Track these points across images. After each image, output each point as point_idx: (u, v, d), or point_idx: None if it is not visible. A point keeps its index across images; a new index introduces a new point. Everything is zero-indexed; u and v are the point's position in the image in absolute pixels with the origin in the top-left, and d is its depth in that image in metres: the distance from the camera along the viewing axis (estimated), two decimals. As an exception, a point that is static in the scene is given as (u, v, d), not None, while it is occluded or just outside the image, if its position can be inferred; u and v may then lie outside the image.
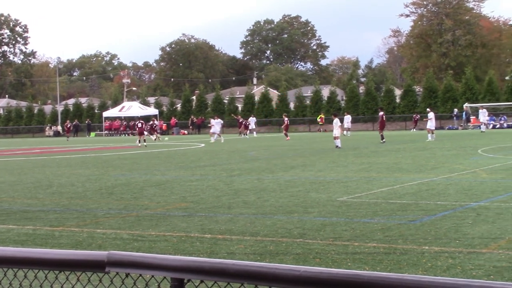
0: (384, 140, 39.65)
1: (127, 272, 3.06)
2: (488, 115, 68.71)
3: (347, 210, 13.39)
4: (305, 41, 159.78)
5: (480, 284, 2.32)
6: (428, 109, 47.60)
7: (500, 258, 8.75)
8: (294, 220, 12.37)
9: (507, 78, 74.42)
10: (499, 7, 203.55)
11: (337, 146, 35.59)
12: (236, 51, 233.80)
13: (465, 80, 73.69)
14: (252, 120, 65.32)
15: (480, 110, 58.38)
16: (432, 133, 41.60)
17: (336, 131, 36.35)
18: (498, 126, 66.60)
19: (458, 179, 18.41)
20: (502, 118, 67.15)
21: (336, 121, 37.09)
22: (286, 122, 53.83)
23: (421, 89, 79.66)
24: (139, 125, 49.15)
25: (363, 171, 22.12)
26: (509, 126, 64.71)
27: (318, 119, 72.40)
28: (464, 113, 69.26)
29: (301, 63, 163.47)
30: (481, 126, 56.50)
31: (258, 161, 28.91)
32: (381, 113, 42.16)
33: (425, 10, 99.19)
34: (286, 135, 50.40)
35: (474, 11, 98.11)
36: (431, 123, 41.98)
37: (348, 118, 59.84)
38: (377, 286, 2.46)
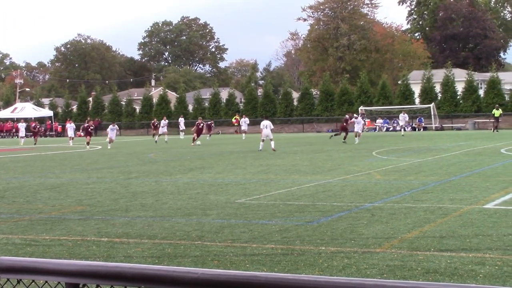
0: (344, 140, 40.81)
1: (18, 278, 2.95)
2: (382, 118, 70.98)
3: (246, 212, 13.46)
4: (204, 43, 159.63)
5: (373, 283, 2.37)
6: (359, 111, 47.66)
7: (393, 257, 9.02)
8: (192, 222, 12.32)
9: (399, 82, 77.00)
10: (392, 14, 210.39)
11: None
12: (134, 53, 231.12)
13: (360, 84, 75.72)
14: (181, 121, 64.11)
15: (401, 115, 59.27)
16: (359, 136, 41.91)
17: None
18: (391, 129, 68.77)
19: (353, 181, 18.87)
20: (395, 121, 69.36)
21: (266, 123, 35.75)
22: (200, 126, 51.38)
23: (318, 92, 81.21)
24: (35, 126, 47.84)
25: (261, 173, 22.32)
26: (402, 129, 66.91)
27: (233, 120, 72.26)
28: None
29: (199, 65, 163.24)
30: (402, 130, 57.56)
31: (157, 163, 28.67)
32: (346, 116, 43.68)
33: (322, 14, 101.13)
34: (193, 140, 46.26)
35: (369, 17, 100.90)
36: (358, 126, 42.48)
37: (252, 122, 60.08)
38: (275, 287, 2.48)
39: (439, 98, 71.54)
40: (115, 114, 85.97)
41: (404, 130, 57.32)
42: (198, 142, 44.21)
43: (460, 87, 71.39)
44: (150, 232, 11.34)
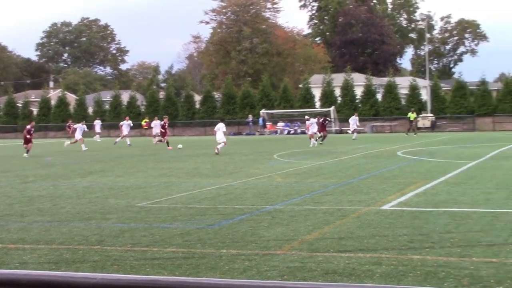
0: (322, 142, 41.34)
1: None
2: (283, 122, 71.82)
3: (146, 215, 13.32)
4: (105, 45, 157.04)
5: (273, 285, 2.39)
6: (307, 116, 45.87)
7: (293, 258, 9.14)
8: (91, 227, 12.08)
9: (300, 86, 78.22)
10: (294, 18, 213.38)
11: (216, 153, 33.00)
12: (31, 54, 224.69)
13: (262, 87, 76.41)
14: (97, 123, 61.19)
15: (352, 117, 53.92)
16: (312, 138, 41.74)
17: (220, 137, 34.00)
18: (292, 132, 69.71)
19: (255, 183, 19.00)
20: (296, 124, 70.36)
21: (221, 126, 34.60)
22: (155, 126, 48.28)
23: (220, 95, 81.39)
24: None
25: (162, 176, 22.15)
26: (302, 132, 67.93)
27: (143, 123, 70.70)
28: (261, 119, 71.79)
29: (100, 67, 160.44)
30: (354, 133, 51.44)
31: (55, 167, 27.96)
32: (321, 119, 43.64)
33: (224, 17, 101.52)
34: (162, 140, 42.96)
35: (271, 21, 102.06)
36: (313, 128, 42.34)
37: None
38: (175, 291, 2.46)
39: (338, 101, 73.10)
40: (10, 117, 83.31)
41: (355, 133, 51.72)
42: (179, 146, 40.52)
43: (359, 91, 73.24)
44: (47, 238, 11.04)
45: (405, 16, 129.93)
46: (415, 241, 10.18)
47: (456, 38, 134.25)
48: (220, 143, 33.25)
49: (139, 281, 2.54)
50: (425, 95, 72.43)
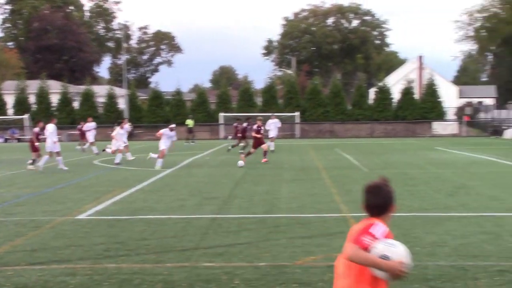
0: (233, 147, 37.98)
1: None
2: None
3: None
4: None
5: None
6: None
7: None
8: None
9: None
10: None
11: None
12: None
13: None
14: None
15: (269, 120, 46.93)
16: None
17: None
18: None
19: None
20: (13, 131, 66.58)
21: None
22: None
23: None
24: None
25: None
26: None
27: None
28: None
29: None
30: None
31: None
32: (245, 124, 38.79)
33: None
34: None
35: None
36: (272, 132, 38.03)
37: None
38: None
39: (33, 109, 70.58)
40: None
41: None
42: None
43: (55, 99, 71.41)
44: None
45: (103, 24, 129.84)
46: (111, 250, 10.16)
47: (153, 48, 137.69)
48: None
49: None
50: (122, 104, 72.96)
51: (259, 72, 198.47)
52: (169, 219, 13.13)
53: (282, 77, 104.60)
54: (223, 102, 71.50)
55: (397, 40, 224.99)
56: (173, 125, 28.51)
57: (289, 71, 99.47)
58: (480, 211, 13.82)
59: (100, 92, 76.45)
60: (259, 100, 74.24)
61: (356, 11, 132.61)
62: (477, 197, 16.19)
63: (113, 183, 20.56)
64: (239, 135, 38.11)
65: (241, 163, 26.52)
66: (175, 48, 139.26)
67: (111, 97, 72.06)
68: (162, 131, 27.30)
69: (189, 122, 57.01)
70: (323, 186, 18.96)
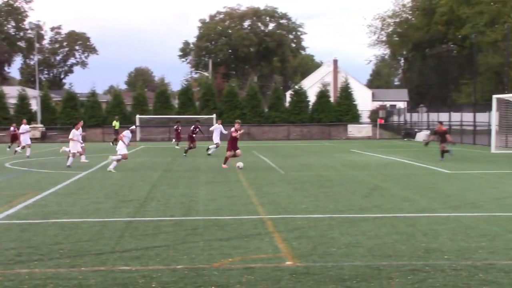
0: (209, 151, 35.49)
1: None
2: None
3: None
4: None
5: None
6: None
7: None
8: None
9: None
10: None
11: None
12: None
13: None
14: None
15: (216, 125, 44.55)
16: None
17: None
18: None
19: None
20: None
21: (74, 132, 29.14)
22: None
23: None
24: None
25: None
26: None
27: None
28: None
29: None
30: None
31: None
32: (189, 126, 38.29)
33: None
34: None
35: None
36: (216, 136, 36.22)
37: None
38: None
39: None
40: None
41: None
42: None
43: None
44: None
45: (13, 23, 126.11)
46: (23, 254, 9.88)
47: (66, 49, 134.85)
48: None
49: None
50: (35, 105, 71.18)
51: (176, 74, 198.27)
52: (84, 223, 12.87)
53: (198, 80, 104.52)
54: (139, 104, 70.81)
55: (312, 44, 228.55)
56: (133, 127, 27.99)
57: (205, 74, 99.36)
58: (394, 212, 14.15)
59: (11, 93, 74.42)
60: (175, 103, 73.92)
61: (272, 14, 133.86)
62: (390, 198, 16.57)
63: (26, 186, 20.01)
64: (181, 135, 38.17)
65: (240, 164, 26.76)
66: (89, 49, 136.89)
67: (23, 98, 70.21)
68: (124, 133, 26.61)
69: (115, 124, 56.46)
70: (241, 188, 19.01)
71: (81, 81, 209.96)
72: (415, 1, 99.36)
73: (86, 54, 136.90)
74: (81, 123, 31.10)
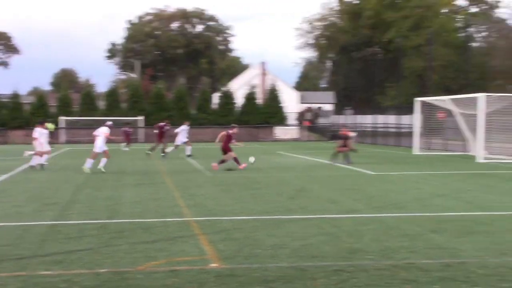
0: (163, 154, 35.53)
1: None
2: None
3: None
4: None
5: None
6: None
7: None
8: None
9: None
10: None
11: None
12: None
13: None
14: None
15: (184, 126, 41.73)
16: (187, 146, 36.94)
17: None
18: None
19: None
20: None
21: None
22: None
23: None
24: None
25: None
26: None
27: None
28: None
29: None
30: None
31: None
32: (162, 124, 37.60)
33: None
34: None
35: None
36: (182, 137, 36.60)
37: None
38: None
39: None
40: None
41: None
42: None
43: None
44: None
45: None
46: None
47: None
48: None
49: None
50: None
51: (103, 75, 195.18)
52: (3, 227, 12.54)
53: (126, 81, 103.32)
54: (64, 106, 69.43)
55: (240, 46, 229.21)
56: (110, 123, 27.39)
57: (133, 75, 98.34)
58: (319, 213, 14.30)
59: None
60: (102, 104, 72.85)
61: (200, 16, 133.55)
62: (316, 199, 16.74)
63: None
64: (159, 137, 37.77)
65: (252, 159, 29.16)
66: (12, 49, 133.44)
67: None
68: (104, 130, 26.04)
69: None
70: (167, 191, 18.87)
71: (3, 82, 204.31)
72: (343, 5, 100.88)
73: (8, 54, 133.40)
74: (47, 121, 30.50)
